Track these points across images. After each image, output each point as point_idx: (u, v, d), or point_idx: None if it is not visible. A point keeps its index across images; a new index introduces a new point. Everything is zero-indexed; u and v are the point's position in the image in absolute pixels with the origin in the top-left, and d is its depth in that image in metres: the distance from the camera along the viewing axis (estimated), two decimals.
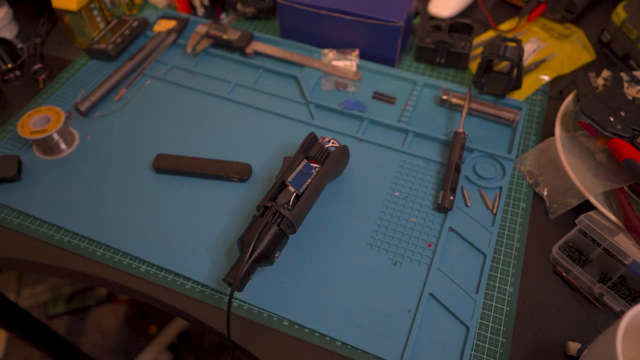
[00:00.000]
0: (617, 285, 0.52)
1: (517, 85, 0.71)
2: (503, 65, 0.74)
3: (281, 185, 0.54)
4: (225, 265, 0.55)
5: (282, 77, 0.76)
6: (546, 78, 0.75)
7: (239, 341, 0.50)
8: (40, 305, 1.43)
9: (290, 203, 0.52)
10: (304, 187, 0.53)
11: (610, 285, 0.52)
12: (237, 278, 0.47)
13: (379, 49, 0.76)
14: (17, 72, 0.78)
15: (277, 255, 0.51)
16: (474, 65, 0.77)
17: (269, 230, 0.49)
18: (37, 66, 0.79)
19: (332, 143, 0.59)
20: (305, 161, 0.56)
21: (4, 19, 0.82)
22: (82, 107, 0.70)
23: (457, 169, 0.61)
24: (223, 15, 0.88)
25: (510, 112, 0.68)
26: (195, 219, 0.59)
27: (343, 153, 0.58)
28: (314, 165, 0.56)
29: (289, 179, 0.53)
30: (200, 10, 0.87)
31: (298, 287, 0.53)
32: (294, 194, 0.53)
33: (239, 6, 0.86)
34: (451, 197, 0.59)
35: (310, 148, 0.57)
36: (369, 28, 0.73)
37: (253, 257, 0.48)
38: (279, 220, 0.50)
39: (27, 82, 0.78)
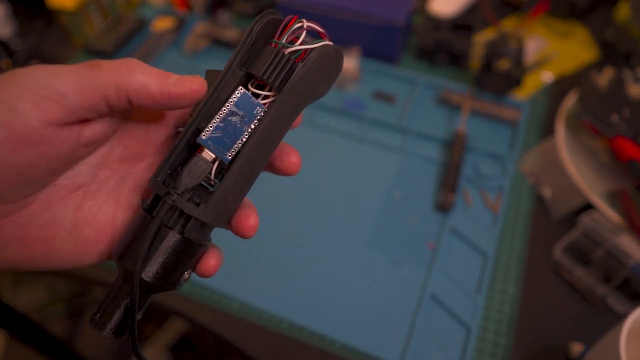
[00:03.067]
0: (620, 287, 0.51)
1: (518, 83, 0.70)
2: (504, 64, 0.74)
3: (188, 145, 0.26)
4: None
5: None
6: (548, 77, 0.74)
7: (237, 343, 0.50)
8: (36, 308, 1.42)
9: (211, 178, 0.26)
10: (233, 148, 0.26)
11: (613, 287, 0.51)
12: (108, 322, 0.26)
13: (380, 47, 0.75)
14: None
15: (186, 276, 0.27)
16: (474, 64, 0.77)
17: (164, 240, 0.25)
18: (34, 64, 0.78)
19: (305, 36, 0.27)
20: (241, 90, 0.26)
21: (1, 17, 0.82)
22: None
23: (458, 169, 0.61)
24: (221, 14, 0.88)
25: (512, 111, 0.67)
26: None
27: (326, 61, 0.27)
28: (261, 96, 0.27)
29: (205, 132, 0.26)
30: (199, 9, 0.86)
31: (297, 287, 0.53)
32: (215, 164, 0.26)
33: (238, 4, 0.85)
34: (452, 197, 0.58)
35: (259, 54, 0.27)
36: (369, 27, 0.73)
37: (137, 290, 0.25)
38: (181, 221, 0.26)
39: None
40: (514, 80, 0.69)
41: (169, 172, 0.26)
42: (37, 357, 1.34)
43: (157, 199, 0.26)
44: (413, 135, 0.67)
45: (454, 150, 0.62)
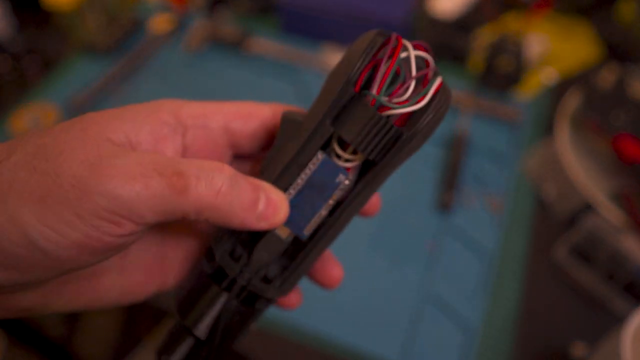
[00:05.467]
0: (623, 288, 0.51)
1: (520, 82, 0.70)
2: (506, 63, 0.73)
3: None
4: None
5: (281, 75, 0.75)
6: (550, 76, 0.74)
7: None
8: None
9: (280, 257, 0.25)
10: (312, 222, 0.23)
11: (616, 288, 0.51)
12: None
13: None
14: (10, 68, 0.77)
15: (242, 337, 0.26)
16: (475, 63, 0.76)
17: (233, 315, 0.24)
18: (31, 63, 0.77)
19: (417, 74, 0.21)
20: (321, 156, 0.22)
21: None
22: (77, 106, 0.69)
23: (458, 169, 0.60)
24: (221, 12, 0.87)
25: (513, 110, 0.67)
26: None
27: (436, 125, 0.22)
28: (347, 163, 0.22)
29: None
30: (197, 7, 0.86)
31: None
32: (290, 240, 0.23)
33: (237, 3, 0.84)
34: (452, 197, 0.58)
35: (351, 107, 0.21)
36: (369, 27, 0.72)
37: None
38: (253, 297, 0.24)
39: (20, 78, 0.77)
40: (515, 79, 0.69)
41: (236, 235, 0.23)
42: (36, 357, 1.34)
43: (219, 272, 0.23)
44: None
45: (455, 150, 0.62)
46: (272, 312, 0.50)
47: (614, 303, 0.50)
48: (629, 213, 0.53)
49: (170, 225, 0.25)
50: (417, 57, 0.21)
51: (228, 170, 0.20)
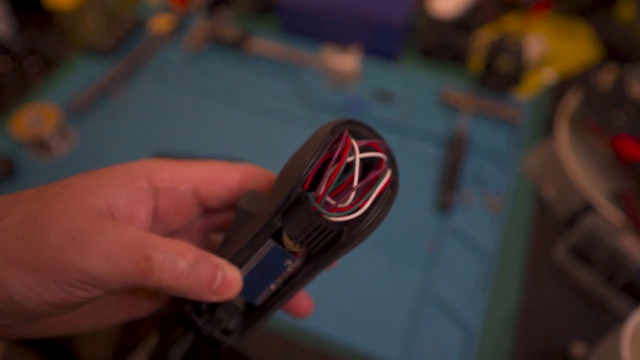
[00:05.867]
0: (622, 287, 0.51)
1: (520, 82, 0.70)
2: (505, 63, 0.73)
3: None
4: None
5: (281, 75, 0.75)
6: (550, 76, 0.74)
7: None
8: None
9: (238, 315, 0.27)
10: (263, 293, 0.26)
11: (615, 287, 0.51)
12: None
13: (380, 47, 0.75)
14: (10, 69, 0.77)
15: None
16: (475, 63, 0.76)
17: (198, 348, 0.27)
18: (31, 63, 0.77)
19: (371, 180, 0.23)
20: (271, 243, 0.24)
21: None
22: (78, 106, 0.69)
23: (458, 169, 0.60)
24: (220, 12, 0.87)
25: (513, 110, 0.67)
26: None
27: (376, 228, 0.24)
28: (292, 255, 0.24)
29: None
30: (197, 8, 0.86)
31: None
32: (243, 307, 0.27)
33: (237, 3, 0.85)
34: (452, 197, 0.58)
35: (298, 208, 0.23)
36: (369, 26, 0.72)
37: None
38: (212, 342, 0.27)
39: (21, 79, 0.77)
40: (515, 79, 0.69)
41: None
42: (36, 357, 1.33)
43: (188, 320, 0.27)
44: (413, 135, 0.66)
45: (454, 150, 0.62)
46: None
47: (614, 303, 0.51)
48: (628, 213, 0.53)
49: None
50: (370, 158, 0.22)
51: (190, 255, 0.22)
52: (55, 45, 0.82)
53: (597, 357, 0.43)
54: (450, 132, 0.66)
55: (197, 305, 0.26)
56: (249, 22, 0.86)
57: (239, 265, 0.25)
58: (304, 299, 0.29)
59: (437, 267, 0.54)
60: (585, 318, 0.51)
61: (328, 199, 0.22)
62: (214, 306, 0.26)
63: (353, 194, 0.22)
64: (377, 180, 0.22)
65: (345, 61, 0.73)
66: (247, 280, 0.25)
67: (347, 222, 0.23)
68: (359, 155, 0.22)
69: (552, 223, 0.58)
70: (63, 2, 0.75)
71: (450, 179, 0.59)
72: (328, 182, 0.22)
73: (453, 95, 0.69)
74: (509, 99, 0.70)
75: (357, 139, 0.23)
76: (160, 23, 0.81)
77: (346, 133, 0.22)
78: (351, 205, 0.22)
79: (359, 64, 0.75)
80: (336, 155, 0.22)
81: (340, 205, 0.22)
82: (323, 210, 0.22)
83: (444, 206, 0.58)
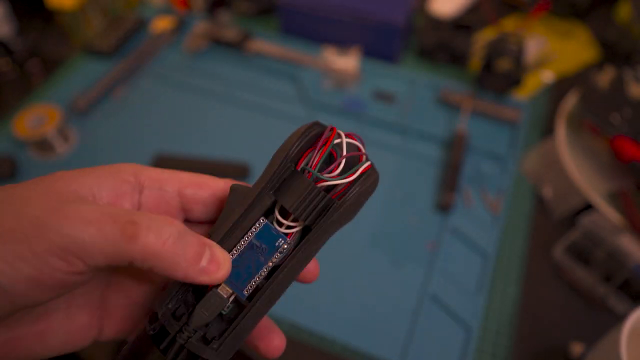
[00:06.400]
0: (621, 287, 0.51)
1: (519, 83, 0.70)
2: (504, 64, 0.73)
3: None
4: None
5: (282, 76, 0.75)
6: (549, 76, 0.74)
7: None
8: None
9: (226, 307, 0.24)
10: (252, 282, 0.24)
11: (614, 287, 0.51)
12: None
13: (380, 47, 0.75)
14: (12, 70, 0.78)
15: None
16: (475, 64, 0.77)
17: None
18: (33, 64, 0.78)
19: (344, 161, 0.24)
20: (263, 221, 0.24)
21: (0, 16, 0.81)
22: (79, 106, 0.69)
23: (458, 169, 0.60)
24: (221, 14, 0.87)
25: (512, 110, 0.67)
26: None
27: (362, 198, 0.25)
28: (284, 225, 0.24)
29: None
30: (198, 8, 0.86)
31: (297, 288, 0.53)
32: (231, 298, 0.24)
33: (238, 4, 0.85)
34: (452, 197, 0.58)
35: (291, 180, 0.24)
36: (369, 27, 0.72)
37: None
38: (188, 357, 0.23)
39: (22, 80, 0.77)
40: (514, 80, 0.69)
41: (180, 296, 0.24)
42: None
43: (162, 331, 0.24)
44: (413, 135, 0.67)
45: (454, 150, 0.62)
46: (273, 312, 0.51)
47: (613, 302, 0.51)
48: (626, 212, 0.54)
49: (117, 272, 0.26)
50: (350, 144, 0.24)
51: (178, 225, 0.22)
52: (56, 45, 0.82)
53: (596, 356, 0.43)
54: (450, 132, 0.66)
55: (174, 309, 0.24)
56: (249, 22, 0.86)
57: (228, 249, 0.24)
58: (276, 337, 0.27)
59: (437, 266, 0.54)
60: (584, 317, 0.51)
61: (318, 174, 0.24)
62: (194, 308, 0.24)
63: (343, 163, 0.24)
64: (362, 159, 0.25)
65: (345, 61, 0.73)
66: (236, 265, 0.24)
67: (342, 190, 0.24)
68: (345, 139, 0.24)
69: (551, 223, 0.58)
70: (65, 2, 0.75)
71: (450, 179, 0.59)
72: (318, 156, 0.24)
73: (453, 96, 0.69)
74: (509, 100, 0.70)
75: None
76: (161, 24, 0.81)
77: (330, 125, 0.25)
78: (339, 175, 0.24)
79: (359, 64, 0.75)
80: (323, 137, 0.24)
81: (331, 175, 0.24)
82: (317, 175, 0.24)
83: (444, 206, 0.58)
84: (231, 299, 0.24)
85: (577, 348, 0.48)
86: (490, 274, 0.54)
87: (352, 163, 0.25)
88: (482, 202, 0.60)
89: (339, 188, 0.24)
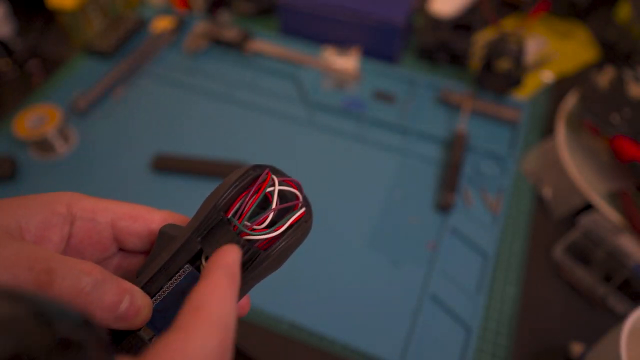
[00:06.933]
0: (620, 287, 0.51)
1: (519, 83, 0.70)
2: (504, 64, 0.73)
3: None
4: None
5: (281, 76, 0.75)
6: (549, 77, 0.74)
7: (237, 343, 0.49)
8: None
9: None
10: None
11: (614, 287, 0.51)
12: None
13: (379, 47, 0.75)
14: (12, 70, 0.78)
15: None
16: (475, 64, 0.77)
17: None
18: (33, 64, 0.78)
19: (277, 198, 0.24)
20: (189, 268, 0.24)
21: (0, 16, 0.81)
22: (79, 106, 0.69)
23: (458, 169, 0.60)
24: (221, 14, 0.87)
25: (512, 111, 0.67)
26: None
27: (289, 252, 0.25)
28: None
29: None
30: (198, 9, 0.86)
31: (297, 288, 0.53)
32: (153, 340, 0.24)
33: (237, 4, 0.85)
34: (452, 197, 0.58)
35: (218, 229, 0.24)
36: (369, 27, 0.72)
37: None
38: None
39: (23, 80, 0.77)
40: (514, 80, 0.69)
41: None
42: None
43: None
44: (413, 135, 0.67)
45: (454, 150, 0.62)
46: (273, 312, 0.51)
47: (612, 302, 0.51)
48: (626, 212, 0.54)
49: None
50: (288, 192, 0.24)
51: (96, 273, 0.21)
52: (56, 45, 0.82)
53: (596, 356, 0.43)
54: (450, 132, 0.67)
55: None
56: (249, 22, 0.86)
57: (152, 294, 0.24)
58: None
59: (437, 266, 0.54)
60: (584, 317, 0.51)
61: (247, 223, 0.24)
62: (115, 347, 0.24)
63: (271, 216, 0.24)
64: (295, 208, 0.24)
65: (345, 61, 0.73)
66: (159, 311, 0.24)
67: (264, 240, 0.24)
68: (278, 187, 0.24)
69: (551, 223, 0.58)
70: (65, 3, 0.75)
71: (450, 179, 0.59)
72: (249, 205, 0.24)
73: (453, 96, 0.69)
74: (509, 100, 0.70)
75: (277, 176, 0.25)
76: (161, 24, 0.81)
77: (267, 169, 0.25)
78: (268, 227, 0.24)
79: (359, 64, 0.75)
80: (257, 184, 0.24)
81: (258, 227, 0.24)
82: (243, 229, 0.23)
83: (444, 206, 0.58)
84: (153, 340, 0.24)
85: (577, 348, 0.48)
86: (490, 274, 0.54)
87: (287, 209, 0.25)
88: (482, 202, 0.60)
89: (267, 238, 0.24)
